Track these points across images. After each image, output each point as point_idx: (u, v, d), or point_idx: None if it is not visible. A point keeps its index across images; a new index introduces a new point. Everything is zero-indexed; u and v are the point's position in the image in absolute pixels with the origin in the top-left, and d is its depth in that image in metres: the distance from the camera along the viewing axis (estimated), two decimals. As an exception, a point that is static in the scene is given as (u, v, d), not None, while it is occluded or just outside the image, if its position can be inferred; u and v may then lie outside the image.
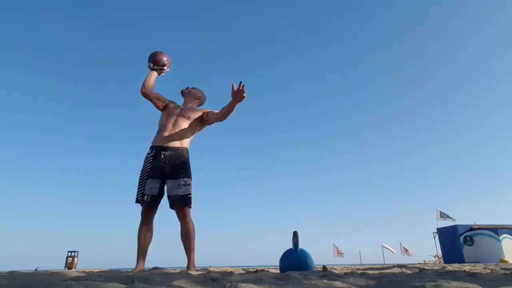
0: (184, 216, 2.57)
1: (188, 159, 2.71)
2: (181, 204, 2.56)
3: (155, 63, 2.94)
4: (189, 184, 2.62)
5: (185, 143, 2.75)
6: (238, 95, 2.59)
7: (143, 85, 2.83)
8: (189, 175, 2.65)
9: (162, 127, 2.76)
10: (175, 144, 2.68)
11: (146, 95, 2.83)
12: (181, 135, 2.73)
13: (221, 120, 2.82)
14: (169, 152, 2.64)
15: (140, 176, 2.63)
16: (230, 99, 2.66)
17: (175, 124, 2.75)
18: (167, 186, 2.63)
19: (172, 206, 2.58)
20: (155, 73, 2.93)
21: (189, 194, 2.59)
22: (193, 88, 3.06)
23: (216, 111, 2.84)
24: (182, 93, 3.03)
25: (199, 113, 2.87)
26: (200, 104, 3.07)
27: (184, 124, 2.77)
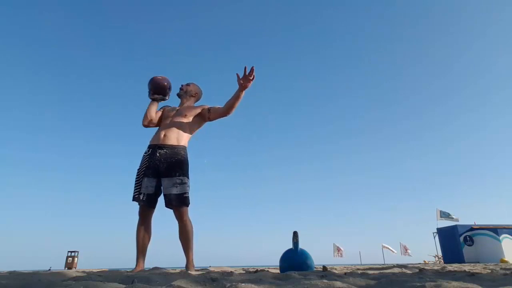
0: (182, 216, 2.52)
1: (184, 158, 2.66)
2: (176, 203, 2.51)
3: (157, 93, 2.84)
4: (185, 183, 2.56)
5: (182, 141, 2.71)
6: (245, 80, 2.55)
7: (145, 118, 2.80)
8: (185, 174, 2.59)
9: (159, 127, 2.79)
10: (172, 142, 2.65)
11: (149, 126, 2.84)
12: (178, 133, 2.70)
13: (226, 115, 2.77)
14: (165, 150, 2.61)
15: (136, 175, 2.63)
16: (230, 98, 2.65)
17: (171, 122, 2.74)
18: (162, 185, 2.58)
19: (167, 205, 2.54)
20: (156, 104, 2.87)
21: (185, 193, 2.53)
22: (187, 85, 2.99)
23: (219, 106, 2.79)
24: (178, 96, 2.98)
25: (198, 110, 2.83)
26: (197, 100, 3.02)
27: (181, 122, 2.74)
